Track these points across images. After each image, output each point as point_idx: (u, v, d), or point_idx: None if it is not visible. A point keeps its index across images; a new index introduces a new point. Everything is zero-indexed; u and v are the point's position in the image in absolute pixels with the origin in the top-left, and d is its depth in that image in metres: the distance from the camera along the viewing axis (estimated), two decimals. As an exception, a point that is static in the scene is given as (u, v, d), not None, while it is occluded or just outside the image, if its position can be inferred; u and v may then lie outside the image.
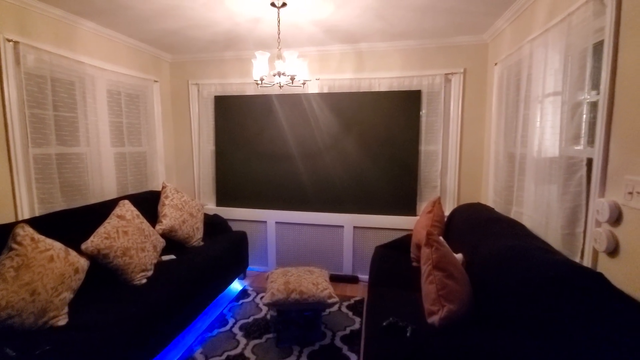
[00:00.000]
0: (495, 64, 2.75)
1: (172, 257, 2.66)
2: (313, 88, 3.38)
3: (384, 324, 1.63)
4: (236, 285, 3.28)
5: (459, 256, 2.02)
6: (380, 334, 1.62)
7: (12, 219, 2.18)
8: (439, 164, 3.21)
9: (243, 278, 3.42)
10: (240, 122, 3.58)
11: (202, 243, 3.01)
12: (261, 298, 2.99)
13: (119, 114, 3.07)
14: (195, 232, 2.97)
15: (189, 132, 3.79)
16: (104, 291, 2.10)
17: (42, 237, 1.78)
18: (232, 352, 2.22)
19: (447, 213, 2.97)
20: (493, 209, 2.53)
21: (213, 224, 3.32)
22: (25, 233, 1.70)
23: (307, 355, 2.18)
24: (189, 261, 2.63)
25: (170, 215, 2.81)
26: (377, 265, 2.62)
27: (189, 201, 3.06)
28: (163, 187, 2.99)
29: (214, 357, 2.18)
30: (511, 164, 2.42)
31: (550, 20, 1.90)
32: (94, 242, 2.09)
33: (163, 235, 2.72)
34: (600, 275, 1.33)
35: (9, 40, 2.13)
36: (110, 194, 2.94)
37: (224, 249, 3.00)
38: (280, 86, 2.41)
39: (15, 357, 1.46)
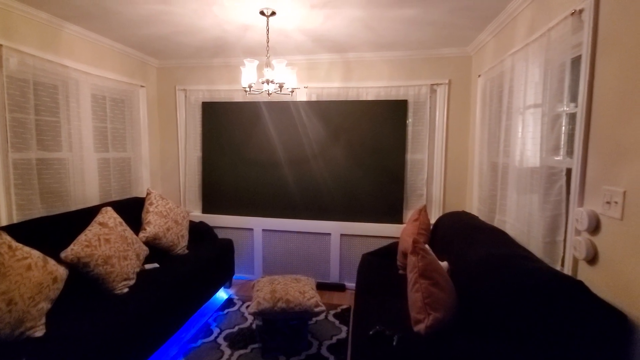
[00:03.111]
0: (479, 75, 2.83)
1: (156, 265, 2.60)
2: (301, 96, 3.40)
3: (370, 332, 1.62)
4: (222, 294, 3.23)
5: (444, 264, 2.04)
6: (367, 343, 1.61)
7: (-13, 226, 2.10)
8: (424, 173, 3.26)
9: (229, 287, 3.37)
10: (227, 129, 3.56)
11: (187, 251, 2.96)
12: (247, 307, 2.94)
13: (103, 119, 3.01)
14: (180, 240, 2.91)
15: (175, 138, 3.74)
16: (84, 301, 2.04)
17: (19, 245, 1.72)
18: (217, 363, 2.18)
19: (432, 221, 3.00)
20: (477, 217, 2.58)
21: (199, 231, 3.27)
22: (2, 241, 1.64)
23: (293, 365, 2.15)
24: (173, 270, 2.58)
25: (154, 222, 2.76)
26: (363, 273, 2.62)
27: (174, 208, 3.01)
28: (147, 194, 2.94)
29: (197, 368, 2.14)
30: (494, 173, 2.48)
31: (530, 35, 1.98)
32: (73, 250, 2.02)
33: (147, 243, 2.66)
34: (580, 283, 1.36)
35: (-10, 42, 2.08)
36: (93, 200, 2.87)
37: (210, 257, 2.95)
38: (269, 94, 2.42)
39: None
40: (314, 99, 3.39)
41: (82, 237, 2.12)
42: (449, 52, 3.14)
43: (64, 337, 1.69)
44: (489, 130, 2.57)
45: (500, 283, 1.55)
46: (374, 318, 1.85)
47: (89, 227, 2.22)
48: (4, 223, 2.18)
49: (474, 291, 1.68)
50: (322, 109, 3.35)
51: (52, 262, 1.87)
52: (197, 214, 3.65)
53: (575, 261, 1.55)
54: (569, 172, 1.64)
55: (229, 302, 3.06)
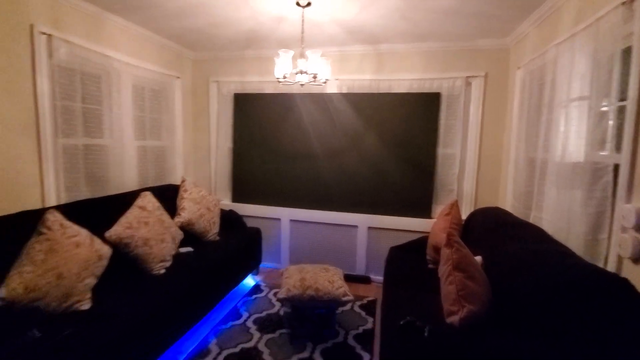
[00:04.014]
0: (518, 68, 2.73)
1: (190, 249, 2.71)
2: (332, 88, 3.40)
3: (401, 322, 1.63)
4: (249, 281, 3.32)
5: (478, 258, 2.00)
6: (397, 334, 1.62)
7: (39, 205, 2.25)
8: (456, 168, 3.19)
9: (256, 274, 3.45)
10: (258, 120, 3.62)
11: (217, 237, 3.05)
12: (275, 294, 3.01)
13: (142, 109, 3.14)
14: (211, 227, 3.01)
15: (207, 128, 3.85)
16: (124, 279, 2.15)
17: (69, 224, 1.84)
18: (246, 345, 2.25)
19: (464, 216, 2.95)
20: (511, 213, 2.51)
21: (228, 219, 3.36)
22: (55, 219, 1.76)
23: (320, 352, 2.19)
24: (206, 254, 2.68)
25: (188, 208, 2.86)
26: (392, 266, 2.62)
27: (207, 196, 3.11)
28: (182, 181, 3.05)
29: (228, 348, 2.22)
30: (531, 168, 2.40)
31: (577, 25, 1.89)
32: (116, 230, 2.14)
33: (181, 227, 2.76)
34: (625, 280, 1.31)
35: (43, 34, 2.21)
36: (131, 186, 3.00)
37: (239, 244, 3.04)
38: (302, 85, 2.45)
39: (40, 338, 1.51)
40: (344, 91, 3.39)
41: (123, 219, 2.24)
42: (486, 44, 3.04)
43: (107, 311, 1.80)
44: (528, 125, 2.48)
45: (537, 278, 1.51)
46: (404, 310, 1.85)
47: (130, 210, 2.34)
48: (53, 203, 2.33)
49: (508, 286, 1.64)
50: (352, 101, 3.34)
51: (97, 241, 1.98)
52: (227, 203, 3.75)
53: (620, 259, 1.49)
54: (615, 167, 1.57)
55: (257, 288, 3.14)
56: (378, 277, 3.37)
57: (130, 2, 2.43)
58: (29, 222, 1.89)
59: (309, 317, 2.34)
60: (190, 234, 2.87)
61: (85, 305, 1.79)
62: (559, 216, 1.95)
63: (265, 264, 3.64)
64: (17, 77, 2.09)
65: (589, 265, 1.48)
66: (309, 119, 3.47)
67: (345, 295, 2.23)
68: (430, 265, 2.50)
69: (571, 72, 1.92)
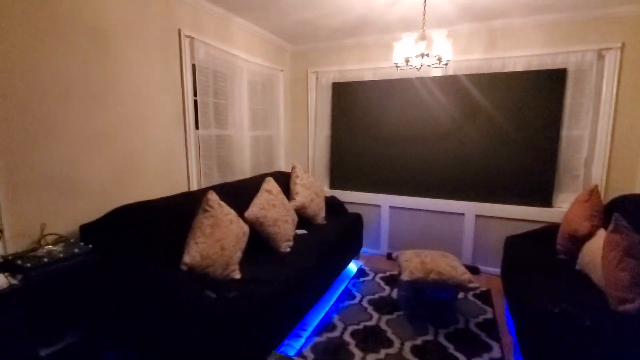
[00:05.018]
0: (675, 32, 2.34)
1: (305, 231, 2.88)
2: (436, 71, 3.29)
3: (556, 311, 1.55)
4: (352, 265, 3.42)
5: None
6: (550, 322, 1.55)
7: (185, 188, 2.59)
8: (583, 151, 2.88)
9: (357, 259, 3.55)
10: (356, 108, 3.68)
11: (325, 221, 3.20)
12: (381, 277, 3.08)
13: (255, 101, 3.40)
14: (320, 211, 3.17)
15: (305, 118, 4.01)
16: (258, 255, 2.38)
17: (223, 203, 2.09)
18: (368, 324, 2.34)
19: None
20: (665, 201, 2.19)
21: (331, 204, 3.49)
22: (214, 198, 2.01)
23: (444, 336, 2.19)
24: (319, 235, 2.83)
25: (301, 193, 3.05)
26: (513, 255, 2.49)
27: (314, 182, 3.27)
28: (293, 168, 3.24)
29: (351, 324, 2.33)
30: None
31: None
32: (253, 211, 2.37)
33: (296, 211, 2.95)
34: None
35: (188, 37, 2.50)
36: (248, 172, 3.28)
37: (345, 228, 3.14)
38: (418, 69, 2.42)
39: (215, 298, 1.75)
40: (450, 73, 3.26)
41: (256, 201, 2.47)
42: (622, 11, 2.66)
43: (256, 279, 2.01)
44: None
45: None
46: (538, 298, 1.75)
47: (260, 193, 2.57)
48: (195, 187, 2.66)
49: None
50: (459, 83, 3.20)
51: (240, 219, 2.22)
52: (325, 190, 3.89)
53: None
54: None
55: (362, 272, 3.23)
56: (487, 268, 3.23)
57: (252, 1, 2.62)
58: (187, 201, 2.20)
59: (428, 300, 2.34)
60: (301, 218, 3.06)
61: (237, 275, 2.03)
62: None
63: (364, 250, 3.72)
64: (171, 76, 2.41)
65: None
66: (410, 104, 3.41)
67: (470, 281, 2.19)
68: (561, 256, 2.31)
69: None
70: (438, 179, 3.37)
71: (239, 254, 2.09)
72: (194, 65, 2.59)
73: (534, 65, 2.96)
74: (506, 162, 3.10)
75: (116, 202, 2.01)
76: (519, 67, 3.01)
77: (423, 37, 2.30)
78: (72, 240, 1.68)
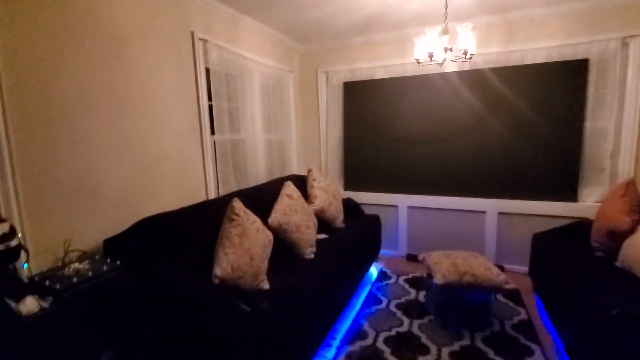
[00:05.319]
0: None
1: (326, 236, 2.80)
2: (451, 66, 3.21)
3: (613, 313, 1.47)
4: (371, 268, 3.34)
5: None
6: (608, 324, 1.47)
7: (203, 196, 2.51)
8: (609, 143, 2.81)
9: (377, 261, 3.47)
10: (369, 107, 3.60)
11: (343, 224, 3.12)
12: (405, 280, 3.00)
13: (267, 104, 3.32)
14: (338, 214, 3.08)
15: (316, 119, 3.93)
16: (283, 262, 2.29)
17: (248, 211, 2.01)
18: (400, 329, 2.26)
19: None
20: None
21: (347, 207, 3.41)
22: (240, 206, 1.93)
23: (481, 340, 2.11)
24: (341, 239, 2.76)
25: (320, 196, 2.96)
26: (543, 254, 2.43)
27: (331, 184, 3.19)
28: (309, 171, 3.16)
29: (383, 331, 2.25)
30: None
31: None
32: (276, 217, 2.29)
33: (315, 215, 2.87)
34: None
35: (201, 39, 2.42)
36: (263, 177, 3.20)
37: (365, 231, 3.07)
38: (439, 64, 2.35)
39: (249, 311, 1.67)
40: (466, 68, 3.17)
41: (278, 207, 2.39)
42: (644, -4, 2.59)
43: (286, 289, 1.93)
44: None
45: None
46: (581, 299, 1.68)
47: (281, 199, 2.49)
48: (213, 195, 2.58)
49: None
50: (475, 78, 3.12)
51: (265, 227, 2.14)
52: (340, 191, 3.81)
53: None
54: None
55: (383, 275, 3.15)
56: (512, 266, 3.15)
57: (263, 0, 2.53)
58: (209, 210, 2.12)
59: (460, 304, 2.26)
60: (320, 221, 2.97)
61: (266, 285, 1.94)
62: None
63: (383, 252, 3.63)
64: (186, 81, 2.33)
65: None
66: (425, 101, 3.34)
67: (506, 282, 2.11)
68: (598, 253, 2.24)
69: None
70: (457, 177, 3.29)
71: (266, 263, 2.01)
72: (207, 70, 2.50)
73: (555, 57, 2.88)
74: (528, 157, 3.02)
75: (136, 213, 1.92)
76: (539, 60, 2.93)
77: (446, 31, 2.23)
78: (97, 257, 1.59)
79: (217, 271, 1.67)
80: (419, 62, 2.34)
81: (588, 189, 2.90)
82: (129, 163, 1.91)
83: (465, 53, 2.15)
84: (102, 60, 1.75)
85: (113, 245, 1.69)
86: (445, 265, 2.23)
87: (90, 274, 1.39)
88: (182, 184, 2.31)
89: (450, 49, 2.22)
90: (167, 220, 1.90)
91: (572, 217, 2.87)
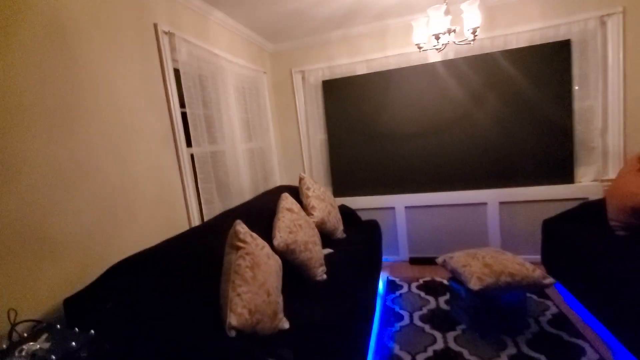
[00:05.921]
0: (682, -9, 2.33)
1: (331, 250, 2.48)
2: (435, 56, 3.08)
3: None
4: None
5: None
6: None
7: (186, 225, 2.07)
8: (598, 122, 2.82)
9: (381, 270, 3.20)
10: (352, 105, 3.36)
11: (344, 235, 2.82)
12: (417, 287, 2.75)
13: (244, 109, 2.94)
14: (338, 224, 2.78)
15: (295, 123, 3.61)
16: (294, 288, 1.93)
17: (255, 235, 1.63)
18: (436, 347, 2.00)
19: (611, 176, 2.65)
20: None
21: (344, 214, 3.12)
22: (245, 230, 1.55)
23: (526, 345, 1.91)
24: (347, 253, 2.45)
25: (317, 206, 2.63)
26: (558, 241, 2.32)
27: (326, 191, 2.87)
28: (301, 179, 2.81)
29: (418, 352, 1.96)
30: None
31: None
32: (282, 237, 1.93)
33: (316, 227, 2.54)
34: None
35: (166, 33, 2.01)
36: (247, 191, 2.80)
37: (367, 240, 2.79)
38: (439, 50, 2.16)
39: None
40: (450, 57, 3.06)
41: (281, 225, 2.02)
42: (615, -25, 2.64)
43: (307, 325, 1.58)
44: None
45: None
46: (626, 283, 1.54)
47: (280, 214, 2.12)
48: (197, 219, 2.15)
49: None
50: (462, 66, 3.01)
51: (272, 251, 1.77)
52: (329, 199, 3.50)
53: None
54: None
55: (392, 284, 2.89)
56: (520, 256, 3.03)
57: (238, -12, 2.20)
58: (199, 239, 1.71)
59: (497, 309, 2.04)
60: (321, 234, 2.64)
61: (286, 324, 1.57)
62: None
63: (384, 258, 3.38)
64: (153, 83, 1.90)
65: None
66: (412, 94, 3.17)
67: (544, 277, 1.94)
68: (620, 232, 2.16)
69: None
70: (453, 171, 3.15)
71: (281, 297, 1.64)
72: (176, 70, 2.09)
73: (537, 40, 2.85)
74: (522, 143, 2.95)
75: (104, 258, 1.47)
76: (522, 43, 2.89)
77: (448, 12, 2.05)
78: (57, 326, 1.13)
79: (233, 320, 1.28)
80: (419, 48, 2.14)
81: (582, 168, 2.89)
82: (87, 194, 1.44)
83: (474, 32, 1.98)
84: (41, 53, 1.29)
85: (77, 307, 1.23)
86: (477, 267, 2.01)
87: (54, 357, 0.94)
88: (159, 212, 1.86)
89: (454, 30, 2.04)
90: (146, 260, 1.44)
91: (572, 199, 2.84)
